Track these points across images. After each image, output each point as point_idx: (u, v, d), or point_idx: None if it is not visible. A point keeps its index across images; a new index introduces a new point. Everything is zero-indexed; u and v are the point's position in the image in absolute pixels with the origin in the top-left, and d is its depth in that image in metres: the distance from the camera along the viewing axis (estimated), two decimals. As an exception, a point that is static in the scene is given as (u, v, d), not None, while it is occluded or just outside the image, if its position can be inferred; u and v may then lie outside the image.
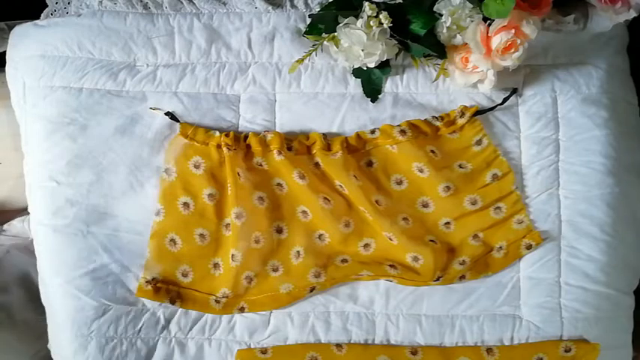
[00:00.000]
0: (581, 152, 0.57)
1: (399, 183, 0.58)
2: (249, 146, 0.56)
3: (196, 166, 0.56)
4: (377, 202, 0.56)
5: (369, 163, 0.58)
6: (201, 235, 0.56)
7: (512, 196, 0.57)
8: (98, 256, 0.57)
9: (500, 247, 0.57)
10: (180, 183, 0.56)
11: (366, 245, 0.57)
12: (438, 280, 0.56)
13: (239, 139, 0.56)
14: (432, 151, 0.57)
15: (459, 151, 0.57)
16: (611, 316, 0.58)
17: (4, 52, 0.62)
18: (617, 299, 0.58)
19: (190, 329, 0.58)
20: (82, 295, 0.56)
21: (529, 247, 0.57)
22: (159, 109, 0.57)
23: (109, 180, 0.58)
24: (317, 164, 0.57)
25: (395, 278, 0.57)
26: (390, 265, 0.57)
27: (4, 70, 0.62)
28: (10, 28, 0.62)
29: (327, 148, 0.56)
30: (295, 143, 0.56)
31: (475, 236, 0.57)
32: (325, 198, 0.56)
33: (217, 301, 0.57)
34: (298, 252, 0.57)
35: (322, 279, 0.57)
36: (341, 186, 0.56)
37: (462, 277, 0.57)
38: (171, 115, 0.57)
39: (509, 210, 0.57)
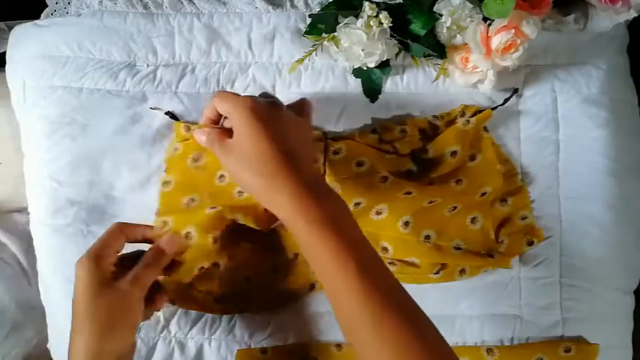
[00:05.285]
0: (581, 152, 0.57)
1: None
2: None
3: (195, 160, 0.56)
4: None
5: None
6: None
7: (519, 190, 0.57)
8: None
9: (502, 242, 0.57)
10: (179, 187, 0.56)
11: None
12: (437, 273, 0.56)
13: None
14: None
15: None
16: (611, 316, 0.58)
17: (4, 52, 0.62)
18: (617, 299, 0.58)
19: (190, 329, 0.58)
20: (82, 295, 0.56)
21: (530, 244, 0.57)
22: (159, 108, 0.57)
23: (109, 180, 0.58)
24: (315, 161, 0.56)
25: (395, 275, 0.57)
26: (389, 263, 0.57)
27: (4, 70, 0.62)
28: (10, 28, 0.62)
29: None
30: None
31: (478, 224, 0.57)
32: None
33: (217, 301, 0.57)
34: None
35: None
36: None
37: (462, 272, 0.57)
38: (171, 115, 0.57)
39: (515, 205, 0.57)
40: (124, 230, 0.50)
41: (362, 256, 0.43)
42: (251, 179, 0.45)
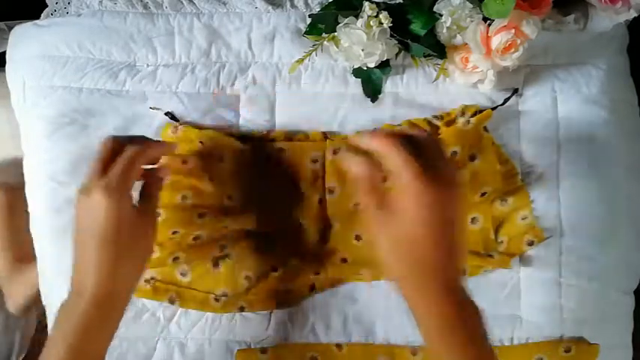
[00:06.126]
0: (581, 152, 0.58)
1: None
2: None
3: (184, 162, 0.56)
4: None
5: None
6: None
7: (519, 189, 0.57)
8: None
9: (502, 242, 0.57)
10: (171, 184, 0.56)
11: (357, 237, 0.56)
12: None
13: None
14: None
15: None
16: (611, 316, 0.58)
17: (4, 52, 0.62)
18: (617, 299, 0.58)
19: (190, 329, 0.58)
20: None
21: (530, 244, 0.57)
22: (159, 108, 0.57)
23: (109, 180, 0.57)
24: (315, 161, 0.56)
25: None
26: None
27: (4, 70, 0.62)
28: (10, 28, 0.62)
29: None
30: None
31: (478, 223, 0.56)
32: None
33: (217, 300, 0.57)
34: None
35: (322, 277, 0.57)
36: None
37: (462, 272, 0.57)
38: (171, 115, 0.57)
39: (515, 205, 0.57)
40: (144, 157, 0.47)
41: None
42: (398, 264, 0.43)
